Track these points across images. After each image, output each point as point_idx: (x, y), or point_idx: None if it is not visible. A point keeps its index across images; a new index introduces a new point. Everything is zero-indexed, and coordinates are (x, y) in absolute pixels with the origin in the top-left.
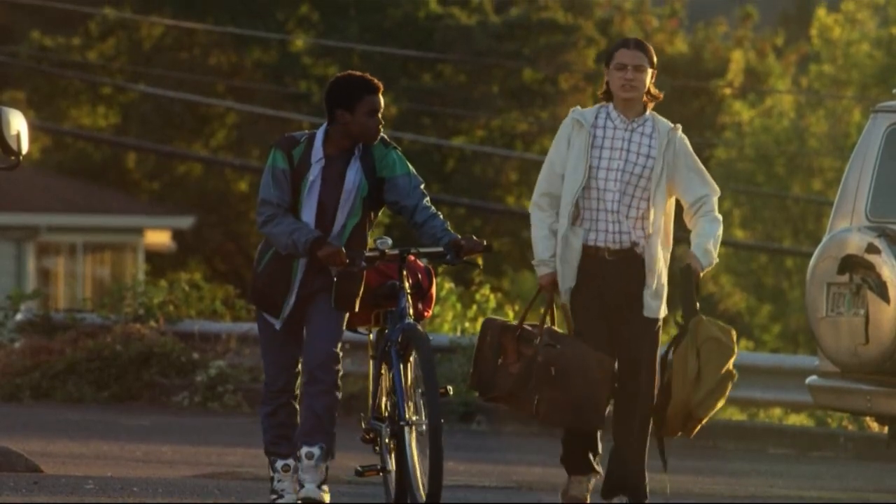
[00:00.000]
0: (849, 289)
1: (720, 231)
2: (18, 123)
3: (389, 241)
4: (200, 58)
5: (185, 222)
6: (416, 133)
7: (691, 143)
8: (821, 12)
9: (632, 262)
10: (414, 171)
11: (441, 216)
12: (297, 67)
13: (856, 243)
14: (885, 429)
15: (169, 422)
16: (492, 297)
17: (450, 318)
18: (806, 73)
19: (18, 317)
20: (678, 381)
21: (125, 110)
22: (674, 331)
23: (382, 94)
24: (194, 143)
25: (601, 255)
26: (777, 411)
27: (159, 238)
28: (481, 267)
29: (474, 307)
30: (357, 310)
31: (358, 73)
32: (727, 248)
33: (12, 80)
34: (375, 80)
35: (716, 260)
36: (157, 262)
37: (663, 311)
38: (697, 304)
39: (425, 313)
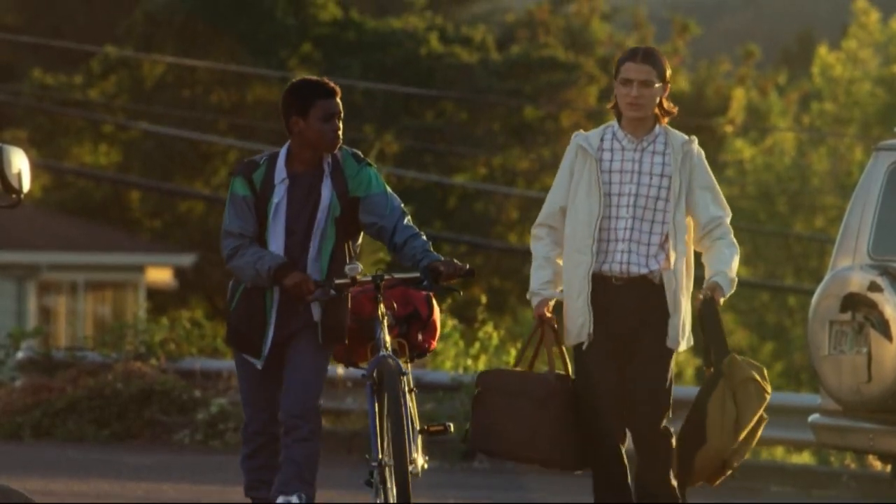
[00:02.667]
0: (851, 327)
1: (738, 258)
2: (20, 162)
3: (359, 267)
4: (202, 95)
5: (187, 260)
6: (418, 171)
7: None
8: (822, 51)
9: (647, 291)
10: (391, 190)
11: (423, 236)
12: None
13: (858, 281)
14: (888, 467)
15: (170, 460)
16: (495, 334)
17: (452, 356)
18: (808, 111)
19: (19, 355)
20: (715, 429)
21: (127, 148)
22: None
23: (339, 100)
24: (196, 181)
25: (608, 281)
26: (780, 449)
27: (160, 276)
28: (461, 292)
29: (477, 344)
30: (347, 342)
31: (314, 77)
32: None
33: (14, 119)
34: (331, 84)
35: (734, 286)
36: (159, 299)
37: (685, 344)
38: (727, 340)
39: (427, 345)
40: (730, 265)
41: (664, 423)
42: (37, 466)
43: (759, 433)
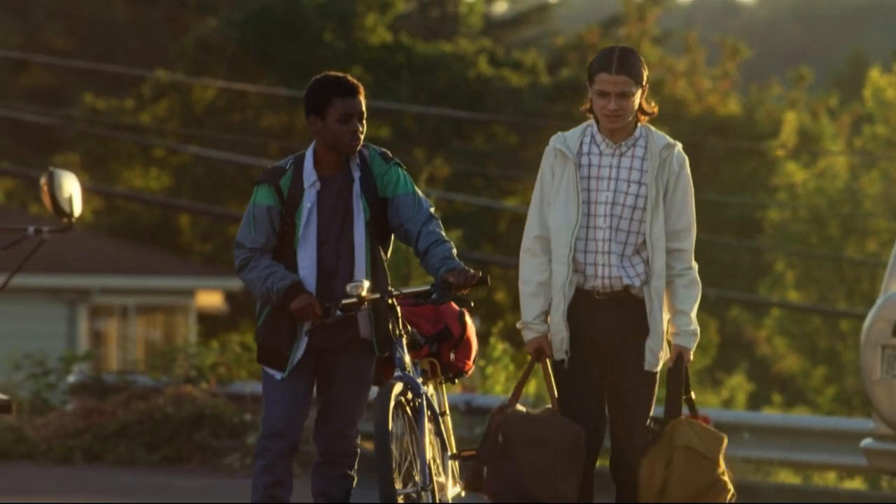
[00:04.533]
0: None
1: (699, 295)
2: (71, 186)
3: (364, 284)
4: (252, 120)
5: (237, 284)
6: (468, 194)
7: (744, 205)
8: (875, 73)
9: (627, 306)
10: (421, 193)
11: (448, 243)
12: None
13: None
14: None
15: (220, 484)
16: None
17: (503, 379)
18: (860, 135)
19: (71, 379)
20: (643, 490)
21: (177, 172)
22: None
23: (361, 98)
24: (246, 205)
25: (590, 296)
26: (831, 475)
27: (211, 300)
28: (471, 304)
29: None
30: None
31: (336, 74)
32: (781, 310)
33: (66, 143)
34: (353, 82)
35: (698, 337)
36: (209, 323)
37: (661, 364)
38: (683, 404)
39: (462, 364)
40: (689, 315)
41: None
42: (88, 490)
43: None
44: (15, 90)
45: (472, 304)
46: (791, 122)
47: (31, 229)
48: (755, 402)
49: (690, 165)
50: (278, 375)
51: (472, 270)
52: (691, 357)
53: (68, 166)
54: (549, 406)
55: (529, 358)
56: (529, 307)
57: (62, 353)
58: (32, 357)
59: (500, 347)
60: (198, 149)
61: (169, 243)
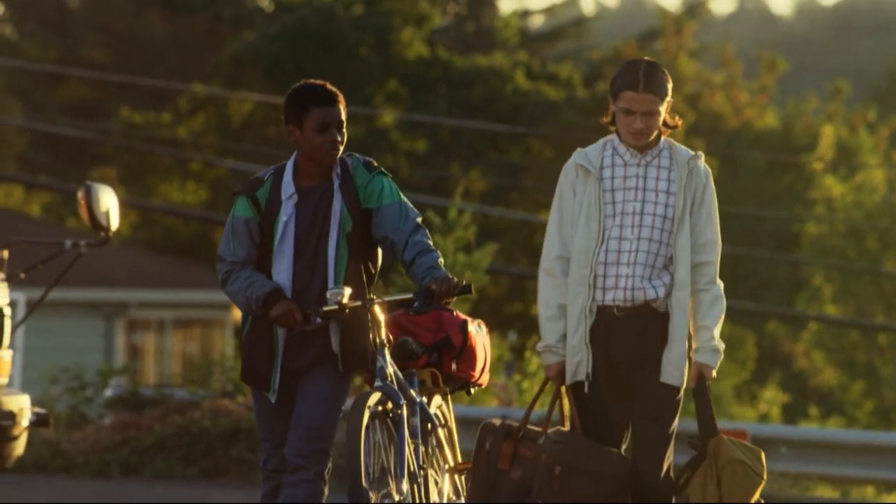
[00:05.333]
0: None
1: (723, 309)
2: (108, 200)
3: (346, 291)
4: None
5: None
6: (504, 208)
7: (781, 219)
8: None
9: (649, 319)
10: (408, 201)
11: (435, 252)
12: (384, 142)
13: None
14: None
15: (257, 497)
16: None
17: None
18: None
19: (108, 392)
20: None
21: (214, 186)
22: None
23: (340, 107)
24: None
25: (609, 312)
26: (869, 489)
27: None
28: (454, 312)
29: None
30: (371, 366)
31: (315, 81)
32: (819, 323)
33: (103, 157)
34: (331, 90)
35: (721, 354)
36: None
37: (685, 379)
38: (715, 420)
39: (465, 375)
40: (712, 331)
41: (665, 467)
42: None
43: None
44: (53, 104)
45: (455, 312)
46: (829, 135)
47: (68, 243)
48: (792, 415)
49: (728, 179)
50: (272, 398)
51: (455, 279)
52: (714, 374)
53: (105, 180)
54: (559, 427)
55: (543, 378)
56: (550, 330)
57: (99, 367)
58: (70, 371)
59: (535, 362)
60: (234, 162)
61: (206, 257)
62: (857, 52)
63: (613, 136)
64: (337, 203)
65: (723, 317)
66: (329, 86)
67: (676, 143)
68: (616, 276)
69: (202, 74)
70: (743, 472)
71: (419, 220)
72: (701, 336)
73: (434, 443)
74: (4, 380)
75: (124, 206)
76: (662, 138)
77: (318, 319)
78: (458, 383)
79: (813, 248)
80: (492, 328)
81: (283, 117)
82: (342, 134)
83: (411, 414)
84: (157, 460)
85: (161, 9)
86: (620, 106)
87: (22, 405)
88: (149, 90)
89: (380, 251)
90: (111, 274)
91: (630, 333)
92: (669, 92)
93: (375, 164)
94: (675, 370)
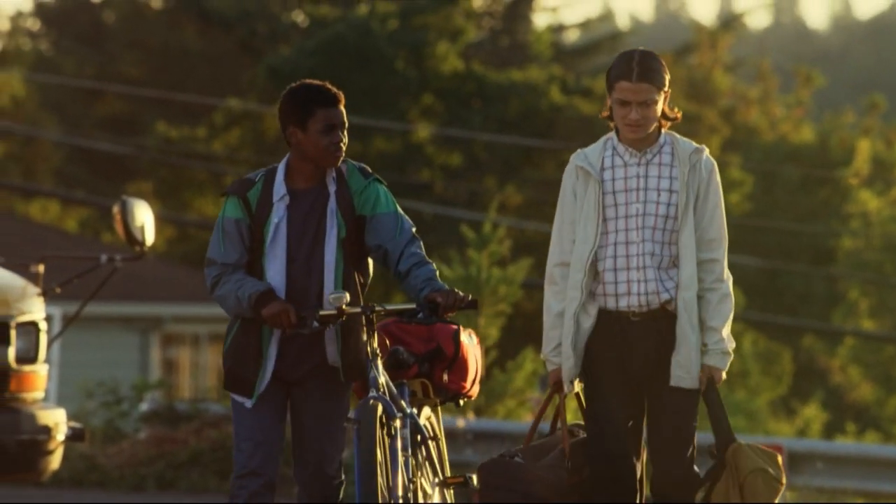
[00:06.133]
0: None
1: (732, 308)
2: (144, 215)
3: (346, 296)
4: None
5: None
6: (539, 222)
7: (817, 233)
8: None
9: (664, 322)
10: (403, 213)
11: (430, 265)
12: (420, 157)
13: None
14: None
15: None
16: None
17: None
18: None
19: (143, 407)
20: None
21: None
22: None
23: (342, 108)
24: None
25: (624, 317)
26: None
27: None
28: (460, 327)
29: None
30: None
31: (315, 82)
32: (855, 338)
33: (138, 172)
34: (334, 90)
35: (731, 356)
36: None
37: (697, 380)
38: (730, 425)
39: (457, 386)
40: (721, 332)
41: (686, 470)
42: None
43: None
44: (89, 119)
45: (460, 327)
46: (865, 149)
47: (103, 258)
48: (829, 431)
49: (763, 193)
50: (247, 403)
51: (460, 293)
52: (723, 376)
53: (141, 195)
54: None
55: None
56: (549, 338)
57: (134, 382)
58: (105, 385)
59: None
60: None
61: None
62: (893, 65)
63: (613, 135)
64: (332, 208)
65: (731, 315)
66: (330, 85)
67: (680, 137)
68: (628, 282)
69: (236, 89)
70: (764, 481)
71: (413, 230)
72: (710, 337)
73: (424, 455)
74: (40, 394)
75: (160, 220)
76: (663, 132)
77: (315, 324)
78: (449, 394)
79: (849, 262)
80: (526, 342)
81: (280, 118)
82: (345, 135)
83: (402, 426)
84: (193, 474)
85: (196, 24)
86: (616, 97)
87: (58, 419)
88: (184, 105)
89: (370, 261)
90: (147, 288)
91: (646, 337)
92: (667, 82)
93: (370, 170)
94: (686, 373)
